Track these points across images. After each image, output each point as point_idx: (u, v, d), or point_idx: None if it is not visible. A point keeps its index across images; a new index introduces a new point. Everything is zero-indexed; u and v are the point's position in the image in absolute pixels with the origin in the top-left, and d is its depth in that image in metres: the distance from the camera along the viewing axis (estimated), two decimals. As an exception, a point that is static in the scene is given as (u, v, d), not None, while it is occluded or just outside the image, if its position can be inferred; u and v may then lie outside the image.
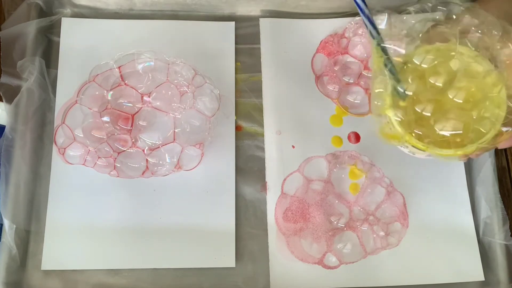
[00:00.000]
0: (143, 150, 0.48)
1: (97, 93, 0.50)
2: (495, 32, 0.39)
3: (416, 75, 0.40)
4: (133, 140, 0.48)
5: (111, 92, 0.49)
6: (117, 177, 0.49)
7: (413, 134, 0.39)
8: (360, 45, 0.54)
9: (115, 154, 0.48)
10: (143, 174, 0.49)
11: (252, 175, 0.52)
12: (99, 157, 0.48)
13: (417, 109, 0.39)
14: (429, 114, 0.39)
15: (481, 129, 0.39)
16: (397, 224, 0.50)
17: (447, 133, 0.39)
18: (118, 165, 0.48)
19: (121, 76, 0.50)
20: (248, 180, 0.52)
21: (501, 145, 0.39)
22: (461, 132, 0.38)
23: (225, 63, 0.55)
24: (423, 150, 0.40)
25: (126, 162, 0.48)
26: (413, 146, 0.40)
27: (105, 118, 0.49)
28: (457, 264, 0.50)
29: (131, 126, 0.49)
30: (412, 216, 0.51)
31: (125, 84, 0.50)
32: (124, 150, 0.48)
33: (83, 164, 0.49)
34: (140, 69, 0.50)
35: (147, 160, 0.48)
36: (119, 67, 0.50)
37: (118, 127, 0.49)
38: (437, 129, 0.39)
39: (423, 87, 0.40)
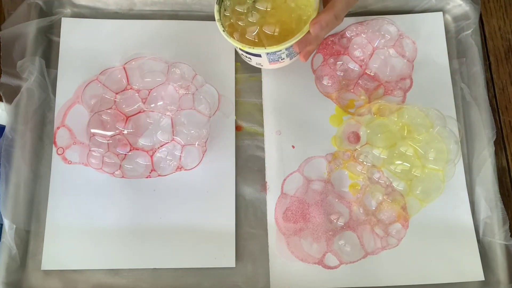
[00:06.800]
0: (147, 152, 0.49)
1: (97, 93, 0.50)
2: None
3: None
4: (133, 142, 0.48)
5: (118, 95, 0.49)
6: (121, 177, 0.49)
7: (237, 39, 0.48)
8: (361, 45, 0.54)
9: (122, 156, 0.49)
10: (150, 173, 0.49)
11: (252, 175, 0.52)
12: (104, 157, 0.49)
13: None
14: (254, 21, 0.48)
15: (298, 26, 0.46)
16: (397, 224, 0.50)
17: (269, 32, 0.47)
18: (129, 166, 0.49)
19: (127, 78, 0.50)
20: (248, 180, 0.52)
21: (312, 30, 0.45)
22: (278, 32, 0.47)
23: (225, 63, 0.55)
24: (250, 52, 0.47)
25: (137, 161, 0.49)
26: (242, 49, 0.48)
27: (107, 119, 0.49)
28: (457, 264, 0.50)
29: (125, 125, 0.49)
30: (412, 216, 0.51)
31: (131, 88, 0.50)
32: (127, 153, 0.48)
33: (85, 165, 0.49)
34: (141, 69, 0.50)
35: (152, 157, 0.48)
36: (123, 66, 0.50)
37: (118, 128, 0.49)
38: (264, 30, 0.47)
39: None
